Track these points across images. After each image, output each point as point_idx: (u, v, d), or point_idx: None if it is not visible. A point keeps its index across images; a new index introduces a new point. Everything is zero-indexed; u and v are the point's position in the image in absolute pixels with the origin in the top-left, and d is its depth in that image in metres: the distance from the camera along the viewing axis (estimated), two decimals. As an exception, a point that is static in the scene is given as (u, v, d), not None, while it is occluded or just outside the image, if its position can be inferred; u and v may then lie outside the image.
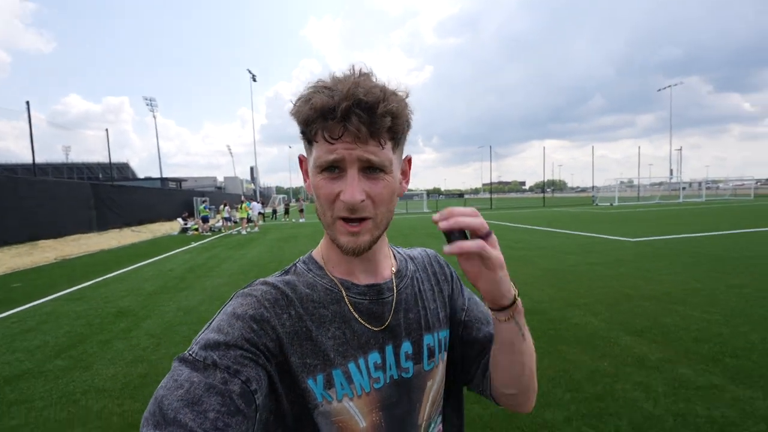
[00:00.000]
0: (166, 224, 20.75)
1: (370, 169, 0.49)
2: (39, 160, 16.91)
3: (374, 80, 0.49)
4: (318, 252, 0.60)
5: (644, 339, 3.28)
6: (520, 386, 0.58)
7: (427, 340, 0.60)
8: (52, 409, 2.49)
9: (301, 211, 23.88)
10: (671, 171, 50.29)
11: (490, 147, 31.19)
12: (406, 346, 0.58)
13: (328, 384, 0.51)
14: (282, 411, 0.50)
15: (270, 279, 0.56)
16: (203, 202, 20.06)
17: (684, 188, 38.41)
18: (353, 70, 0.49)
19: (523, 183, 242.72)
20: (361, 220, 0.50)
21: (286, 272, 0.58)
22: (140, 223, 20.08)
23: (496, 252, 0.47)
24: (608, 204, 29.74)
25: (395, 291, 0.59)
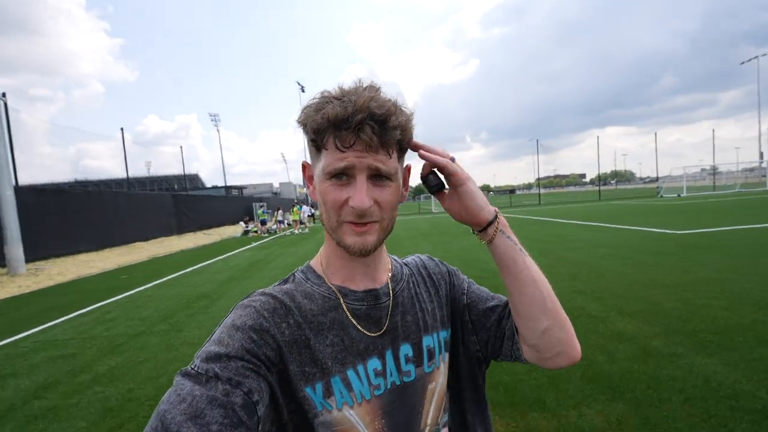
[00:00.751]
0: (231, 228, 23.36)
1: (378, 177, 0.51)
2: (126, 174, 20.21)
3: (383, 95, 0.50)
4: (317, 261, 0.61)
5: (634, 319, 3.60)
6: (548, 313, 0.56)
7: (426, 341, 0.60)
8: (162, 353, 3.61)
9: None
10: (761, 154, 43.81)
11: (537, 141, 30.01)
12: (406, 349, 0.58)
13: (327, 392, 0.51)
14: (283, 421, 0.50)
15: (268, 290, 0.56)
16: (261, 206, 22.23)
17: (774, 174, 33.42)
18: (360, 83, 0.51)
19: (583, 175, 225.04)
20: (369, 223, 0.51)
21: (285, 282, 0.60)
22: (210, 227, 22.89)
23: (456, 166, 0.55)
24: (675, 195, 27.08)
25: (391, 295, 0.60)
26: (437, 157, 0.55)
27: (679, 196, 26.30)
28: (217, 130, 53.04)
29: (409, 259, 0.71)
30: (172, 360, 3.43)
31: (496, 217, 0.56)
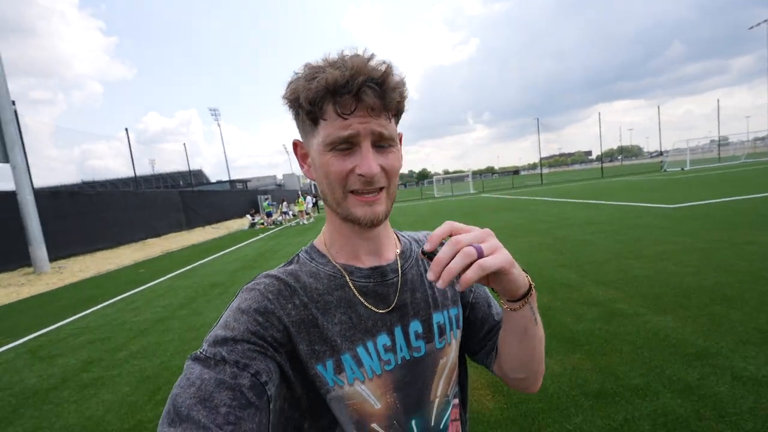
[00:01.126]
0: (238, 221, 23.92)
1: (381, 142, 0.50)
2: (130, 173, 20.71)
3: (376, 59, 0.49)
4: (320, 240, 0.61)
5: (606, 287, 3.96)
6: (530, 371, 0.59)
7: (437, 318, 0.60)
8: (186, 333, 4.08)
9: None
10: (770, 122, 42.88)
11: (537, 120, 29.81)
12: (416, 326, 0.58)
13: (338, 369, 0.52)
14: (296, 398, 0.51)
15: (273, 271, 0.56)
16: (266, 199, 22.70)
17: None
18: (343, 53, 0.50)
19: (589, 152, 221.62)
20: (377, 191, 0.51)
21: (290, 263, 0.60)
22: (218, 221, 23.47)
23: (497, 258, 0.44)
24: (679, 169, 26.97)
25: (400, 272, 0.60)
26: (469, 276, 0.42)
27: (682, 169, 26.19)
28: (218, 125, 53.27)
29: (421, 235, 0.70)
30: (195, 338, 3.90)
31: (529, 290, 0.51)
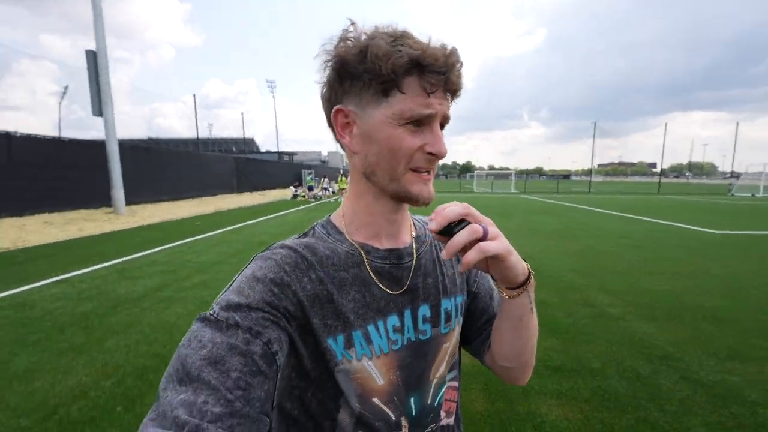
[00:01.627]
0: (282, 191, 25.49)
1: (443, 126, 0.52)
2: (190, 135, 22.67)
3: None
4: (337, 216, 0.61)
5: (608, 294, 4.24)
6: (520, 361, 0.62)
7: (445, 304, 0.62)
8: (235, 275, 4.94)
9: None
10: None
11: (594, 123, 28.16)
12: (424, 310, 0.60)
13: (348, 344, 0.53)
14: (304, 368, 0.53)
15: (289, 242, 0.56)
16: (309, 173, 23.93)
17: None
18: (376, 27, 0.49)
19: (654, 165, 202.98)
20: (429, 171, 0.53)
21: (305, 235, 0.59)
22: (264, 188, 25.19)
23: (497, 244, 0.47)
24: (749, 194, 24.45)
25: (415, 256, 0.61)
26: (470, 256, 0.45)
27: (753, 195, 23.74)
28: (273, 97, 55.73)
29: None
30: (242, 281, 4.76)
31: (528, 278, 0.53)
